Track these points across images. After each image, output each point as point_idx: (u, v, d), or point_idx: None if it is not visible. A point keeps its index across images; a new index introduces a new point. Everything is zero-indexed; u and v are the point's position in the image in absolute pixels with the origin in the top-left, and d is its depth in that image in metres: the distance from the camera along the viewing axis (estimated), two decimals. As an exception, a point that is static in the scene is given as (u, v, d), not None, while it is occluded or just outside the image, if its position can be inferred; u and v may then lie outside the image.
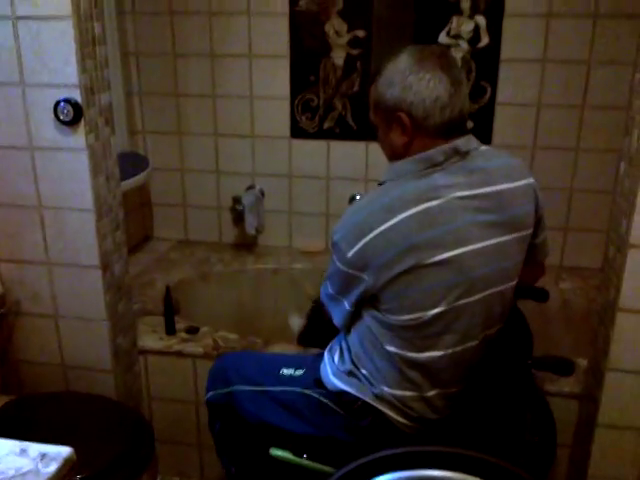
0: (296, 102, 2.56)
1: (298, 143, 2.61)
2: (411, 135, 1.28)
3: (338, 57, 2.48)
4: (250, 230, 2.58)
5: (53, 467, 0.88)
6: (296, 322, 2.04)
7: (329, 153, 2.60)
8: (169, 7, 2.52)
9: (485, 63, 2.40)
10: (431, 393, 1.36)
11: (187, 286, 2.44)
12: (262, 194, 2.66)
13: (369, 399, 1.38)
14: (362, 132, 2.54)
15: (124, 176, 2.35)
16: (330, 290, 1.40)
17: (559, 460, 1.82)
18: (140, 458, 1.53)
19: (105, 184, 1.67)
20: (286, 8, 2.45)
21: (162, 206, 2.80)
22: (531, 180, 1.39)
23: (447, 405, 1.39)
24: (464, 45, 2.39)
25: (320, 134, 2.58)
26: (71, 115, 1.55)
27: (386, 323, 1.32)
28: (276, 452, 1.38)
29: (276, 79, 2.54)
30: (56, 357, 1.81)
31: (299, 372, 1.53)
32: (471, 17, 2.36)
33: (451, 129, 1.27)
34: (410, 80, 1.24)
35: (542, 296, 1.61)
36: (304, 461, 1.36)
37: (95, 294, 1.71)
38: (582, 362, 1.82)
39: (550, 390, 1.76)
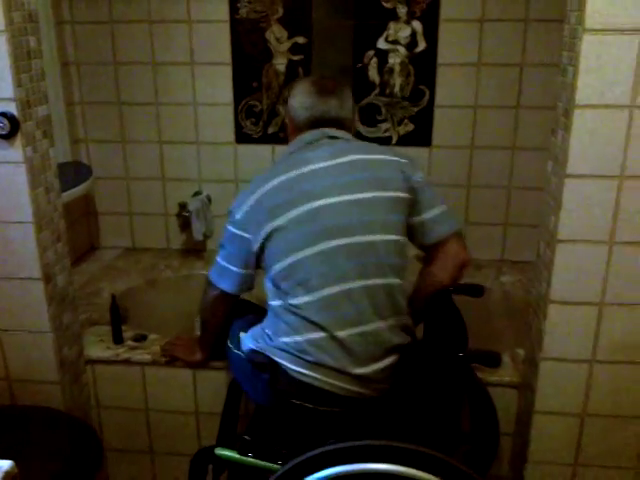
0: (240, 108, 2.58)
1: (243, 148, 2.63)
2: (292, 128, 1.72)
3: (280, 63, 2.51)
4: (198, 236, 2.59)
5: (-8, 480, 0.89)
6: None
7: (274, 157, 2.62)
8: (109, 16, 2.51)
9: (423, 67, 2.47)
10: (317, 335, 1.50)
11: (135, 294, 2.43)
12: (209, 200, 2.67)
13: (269, 352, 1.54)
14: (306, 136, 2.58)
15: (67, 186, 2.35)
16: (222, 262, 1.64)
17: (502, 448, 1.89)
18: (88, 468, 1.53)
19: (45, 196, 1.67)
20: (226, 16, 2.47)
21: (108, 215, 2.79)
22: (395, 158, 1.65)
23: (340, 348, 1.50)
24: (402, 50, 2.45)
25: (265, 139, 2.61)
26: (7, 128, 1.54)
27: (270, 280, 1.58)
28: (222, 452, 1.40)
29: (219, 86, 2.56)
30: (1, 371, 1.80)
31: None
32: (407, 23, 2.42)
33: (315, 123, 1.66)
34: (292, 98, 1.72)
35: (477, 292, 1.67)
36: (250, 459, 1.39)
37: (38, 306, 1.71)
38: (521, 352, 1.90)
39: (491, 380, 1.83)
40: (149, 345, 1.99)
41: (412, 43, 2.44)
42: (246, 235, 1.57)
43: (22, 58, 1.57)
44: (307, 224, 1.51)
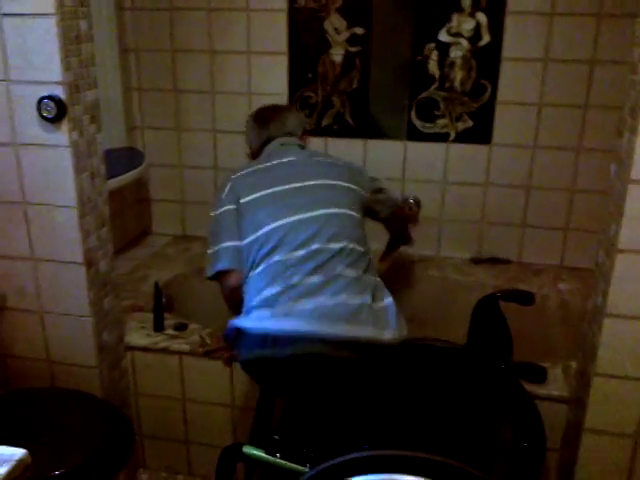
0: (294, 99, 2.54)
1: (296, 140, 2.59)
2: (253, 155, 2.05)
3: (337, 54, 2.46)
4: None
5: (4, 469, 0.87)
6: None
7: (327, 150, 2.57)
8: (169, 3, 2.51)
9: (486, 61, 2.36)
10: (269, 292, 1.56)
11: (181, 282, 2.43)
12: (260, 191, 2.65)
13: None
14: (360, 129, 2.53)
15: (120, 171, 2.37)
16: (213, 249, 1.74)
17: (548, 464, 1.80)
18: (118, 454, 1.53)
19: (89, 181, 1.67)
20: (285, 4, 2.44)
21: (161, 202, 2.80)
22: (342, 162, 1.93)
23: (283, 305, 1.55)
24: (465, 43, 2.36)
25: (318, 131, 2.56)
26: (54, 112, 1.55)
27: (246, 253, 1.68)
28: (249, 450, 1.37)
29: (274, 76, 2.53)
30: (42, 352, 1.81)
31: None
32: (472, 15, 2.32)
33: (266, 144, 1.97)
34: (246, 135, 2.09)
35: (527, 300, 1.58)
36: (277, 460, 1.35)
37: (79, 290, 1.71)
38: (574, 365, 1.79)
39: (540, 394, 1.73)
40: (189, 334, 1.97)
41: (476, 36, 2.34)
42: (231, 207, 1.73)
43: (71, 42, 1.56)
44: (264, 206, 1.69)
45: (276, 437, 1.36)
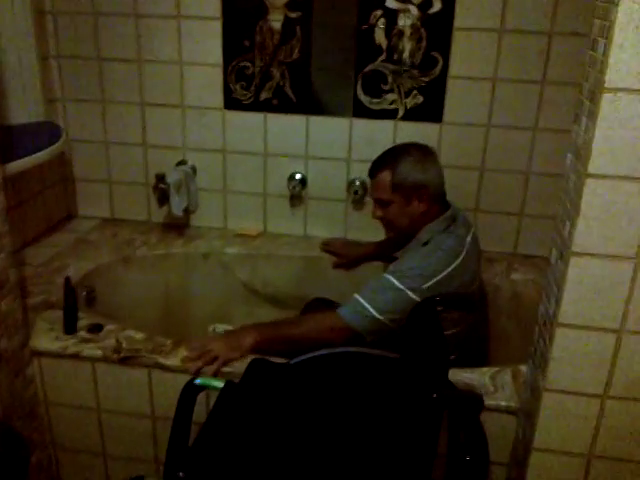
0: (229, 69, 2.31)
1: (232, 115, 2.37)
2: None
3: (275, 20, 2.23)
4: (177, 211, 2.33)
5: None
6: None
7: (266, 127, 2.36)
8: (88, -39, 2.25)
9: (437, 31, 2.16)
10: None
11: (104, 273, 2.21)
12: (194, 171, 2.43)
13: None
14: (302, 104, 2.31)
15: (37, 148, 2.13)
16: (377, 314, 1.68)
17: (496, 478, 1.66)
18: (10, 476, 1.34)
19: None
20: (218, -36, 2.20)
21: (86, 181, 2.56)
22: None
23: None
24: (414, 10, 2.15)
25: (256, 106, 2.34)
26: None
27: None
28: None
29: (207, 43, 2.29)
30: None
31: None
32: (422, -21, 2.12)
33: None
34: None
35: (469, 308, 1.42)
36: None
37: (-32, 295, 1.50)
38: (524, 370, 1.65)
39: (487, 404, 1.57)
40: (103, 337, 1.76)
41: (426, 3, 2.14)
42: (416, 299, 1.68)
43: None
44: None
45: (180, 474, 1.19)
